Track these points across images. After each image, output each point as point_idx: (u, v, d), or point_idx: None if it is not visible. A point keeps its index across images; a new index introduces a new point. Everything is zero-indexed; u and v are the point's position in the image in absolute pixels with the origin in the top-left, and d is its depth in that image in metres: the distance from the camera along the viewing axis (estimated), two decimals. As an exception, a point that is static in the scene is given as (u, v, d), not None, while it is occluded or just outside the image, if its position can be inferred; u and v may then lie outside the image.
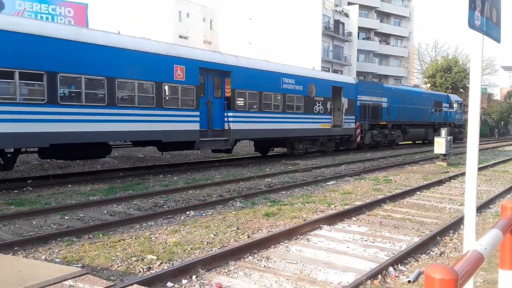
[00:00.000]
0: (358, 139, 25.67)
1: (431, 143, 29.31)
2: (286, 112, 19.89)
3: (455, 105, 38.15)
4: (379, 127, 28.05)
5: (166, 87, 14.49)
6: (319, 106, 22.03)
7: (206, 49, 27.08)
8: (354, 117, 24.90)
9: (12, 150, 12.36)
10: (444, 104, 36.26)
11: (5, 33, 10.63)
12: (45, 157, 13.56)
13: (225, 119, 16.80)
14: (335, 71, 48.60)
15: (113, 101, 12.97)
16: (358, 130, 25.51)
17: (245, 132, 17.90)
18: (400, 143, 31.66)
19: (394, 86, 34.11)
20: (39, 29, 11.38)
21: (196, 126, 15.42)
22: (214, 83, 16.63)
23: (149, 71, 13.86)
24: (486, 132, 59.07)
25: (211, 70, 16.18)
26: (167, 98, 14.48)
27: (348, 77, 28.53)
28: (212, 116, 16.46)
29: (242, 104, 17.59)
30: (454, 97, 39.04)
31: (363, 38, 60.05)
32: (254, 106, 18.24)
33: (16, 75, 10.70)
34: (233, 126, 16.93)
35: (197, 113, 15.46)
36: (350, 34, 56.05)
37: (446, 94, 40.13)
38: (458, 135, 38.49)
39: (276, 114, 19.33)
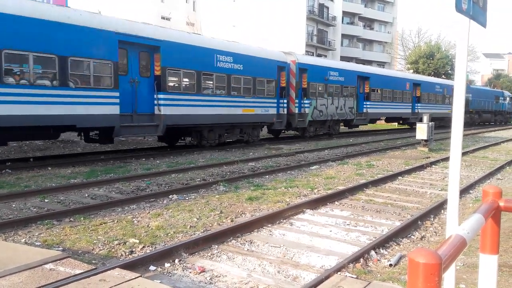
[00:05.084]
0: None
1: (490, 125, 47.04)
2: (436, 103, 37.60)
3: (507, 98, 54.47)
4: (469, 113, 42.23)
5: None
6: (446, 100, 39.03)
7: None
8: None
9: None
10: (500, 98, 52.63)
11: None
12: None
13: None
14: (319, 55, 48.47)
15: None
16: None
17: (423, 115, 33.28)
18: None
19: (475, 86, 48.95)
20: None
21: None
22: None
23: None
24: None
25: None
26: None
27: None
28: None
29: (425, 98, 35.77)
30: (506, 93, 55.75)
31: (347, 23, 59.84)
32: (424, 99, 35.25)
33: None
34: (420, 109, 33.18)
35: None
36: (334, 18, 55.85)
37: (501, 90, 57.31)
38: (508, 119, 55.79)
39: (435, 105, 37.23)
